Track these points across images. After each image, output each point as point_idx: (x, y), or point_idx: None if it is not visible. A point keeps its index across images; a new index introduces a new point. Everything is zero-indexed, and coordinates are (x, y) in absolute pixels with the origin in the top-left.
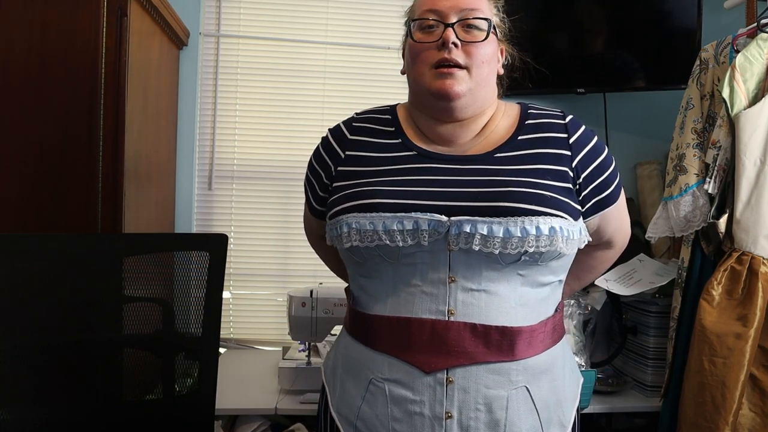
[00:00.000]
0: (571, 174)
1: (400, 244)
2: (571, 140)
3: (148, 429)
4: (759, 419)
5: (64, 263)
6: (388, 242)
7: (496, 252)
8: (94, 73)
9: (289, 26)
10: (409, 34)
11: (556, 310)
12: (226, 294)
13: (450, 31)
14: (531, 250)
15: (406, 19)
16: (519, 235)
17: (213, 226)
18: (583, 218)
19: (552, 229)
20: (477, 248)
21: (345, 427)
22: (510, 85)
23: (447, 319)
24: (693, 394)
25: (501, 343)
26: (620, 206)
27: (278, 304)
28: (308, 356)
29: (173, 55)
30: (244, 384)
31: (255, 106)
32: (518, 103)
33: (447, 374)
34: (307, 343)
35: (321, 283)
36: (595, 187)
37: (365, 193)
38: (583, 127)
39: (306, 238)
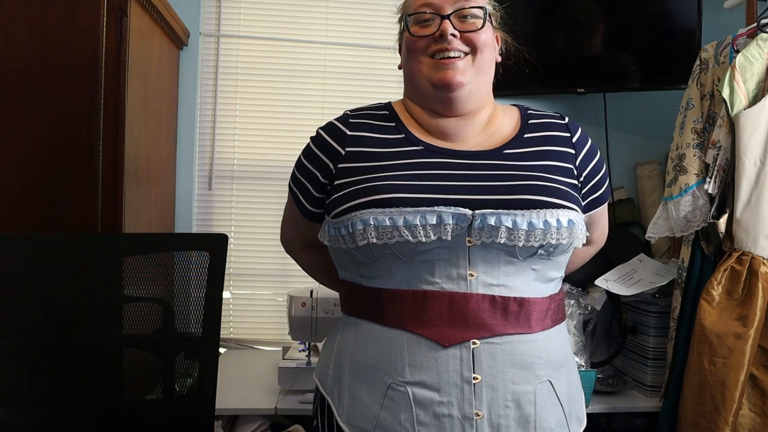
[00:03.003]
0: (575, 171)
1: (423, 239)
2: (574, 140)
3: (148, 429)
4: (759, 419)
5: (64, 263)
6: (409, 238)
7: (521, 244)
8: (94, 73)
9: (289, 26)
10: (405, 28)
11: (559, 291)
12: (226, 294)
13: (447, 23)
14: (553, 242)
15: (400, 14)
16: (542, 227)
17: (213, 226)
18: None
19: (570, 221)
20: (502, 241)
21: None
22: (510, 85)
23: (465, 291)
24: (693, 394)
25: (519, 315)
26: (606, 208)
27: (278, 304)
28: (308, 356)
29: (173, 55)
30: (244, 384)
31: (255, 106)
32: (515, 105)
33: (472, 353)
34: (307, 343)
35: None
36: (591, 186)
37: (381, 187)
38: (581, 128)
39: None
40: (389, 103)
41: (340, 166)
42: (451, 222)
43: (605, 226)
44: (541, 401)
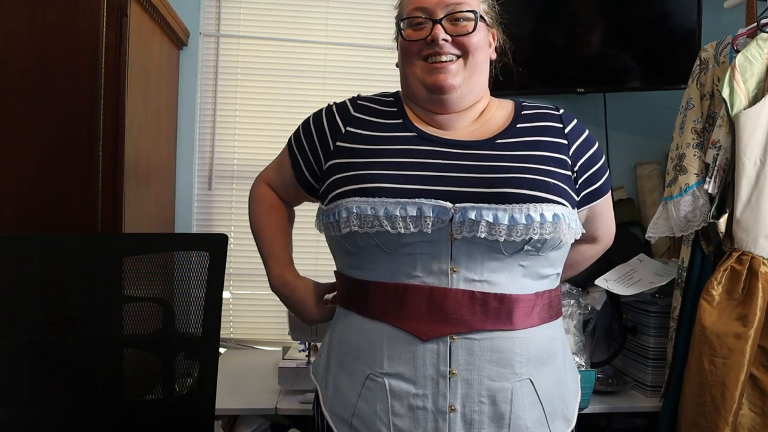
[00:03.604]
0: (569, 162)
1: (402, 231)
2: (566, 130)
3: (148, 429)
4: (759, 419)
5: (64, 263)
6: (389, 228)
7: (501, 239)
8: (94, 73)
9: (289, 26)
10: (399, 32)
11: (554, 287)
12: (226, 294)
13: (438, 27)
14: (536, 237)
15: (396, 14)
16: (524, 222)
17: (213, 226)
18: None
19: (556, 215)
20: (482, 236)
21: (339, 426)
22: (510, 84)
23: (446, 286)
24: (693, 394)
25: (499, 311)
26: (608, 201)
27: (278, 304)
28: (308, 356)
29: (173, 55)
30: (244, 384)
31: (255, 106)
32: (511, 99)
33: (449, 348)
34: (307, 343)
35: None
36: (587, 177)
37: (367, 176)
38: (576, 120)
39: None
40: (398, 91)
41: (338, 144)
42: (431, 215)
43: (610, 221)
44: (518, 399)
